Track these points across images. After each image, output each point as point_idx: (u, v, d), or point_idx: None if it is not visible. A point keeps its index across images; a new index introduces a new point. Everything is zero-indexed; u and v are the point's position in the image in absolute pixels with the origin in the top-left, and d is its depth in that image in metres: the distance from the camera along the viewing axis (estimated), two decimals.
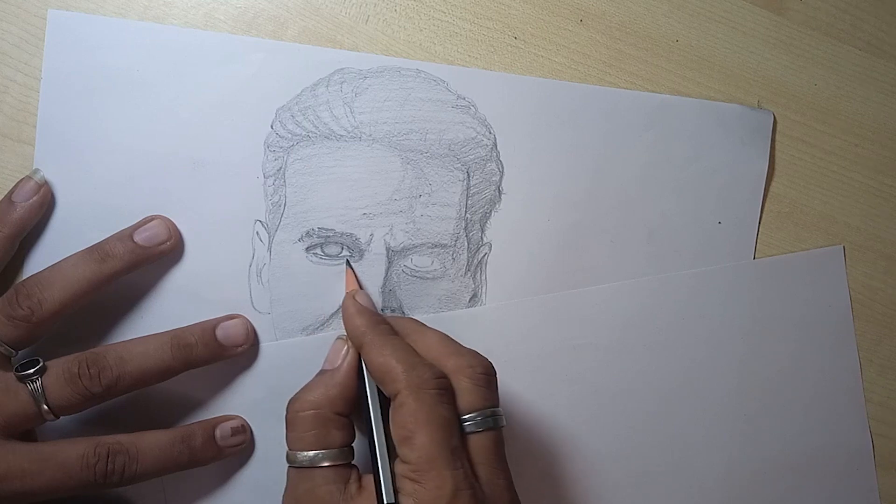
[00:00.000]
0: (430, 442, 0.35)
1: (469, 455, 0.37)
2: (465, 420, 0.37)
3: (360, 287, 0.45)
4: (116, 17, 0.45)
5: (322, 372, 0.41)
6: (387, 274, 0.46)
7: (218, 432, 0.43)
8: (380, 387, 0.38)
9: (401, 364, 0.37)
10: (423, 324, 0.43)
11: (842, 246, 0.50)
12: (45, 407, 0.38)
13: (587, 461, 0.47)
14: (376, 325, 0.40)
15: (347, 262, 0.45)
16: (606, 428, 0.47)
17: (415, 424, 0.35)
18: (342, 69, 0.46)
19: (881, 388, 0.50)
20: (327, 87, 0.46)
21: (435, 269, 0.46)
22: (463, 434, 0.37)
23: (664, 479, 0.48)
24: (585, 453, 0.47)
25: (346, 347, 0.41)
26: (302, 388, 0.40)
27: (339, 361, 0.40)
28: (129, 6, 0.45)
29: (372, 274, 0.45)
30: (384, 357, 0.38)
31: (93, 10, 0.45)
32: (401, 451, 0.36)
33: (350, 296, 0.42)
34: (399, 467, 0.36)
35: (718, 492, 0.48)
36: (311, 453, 0.38)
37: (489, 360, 0.39)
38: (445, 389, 0.37)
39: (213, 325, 0.43)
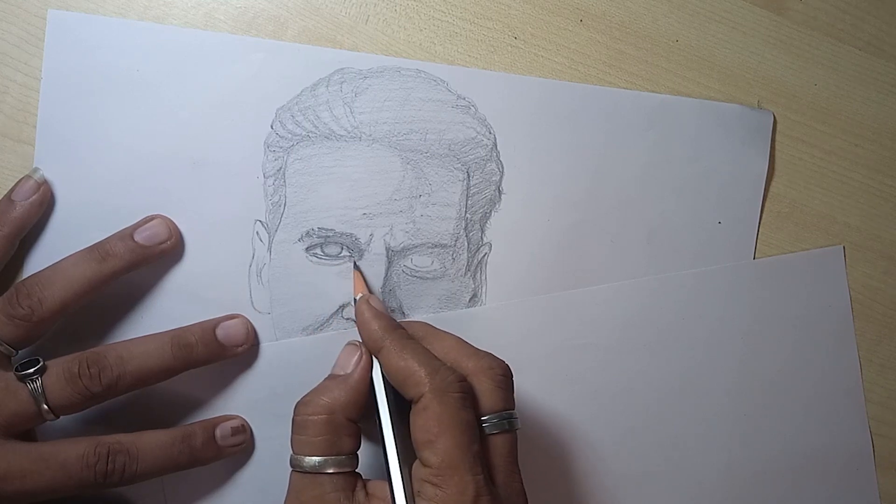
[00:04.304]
0: (454, 446, 0.35)
1: (487, 457, 0.36)
2: (484, 421, 0.37)
3: (370, 290, 0.44)
4: (116, 17, 0.45)
5: (333, 376, 0.40)
6: (387, 274, 0.46)
7: (218, 432, 0.43)
8: (400, 391, 0.38)
9: (423, 367, 0.37)
10: (436, 327, 0.42)
11: (842, 246, 0.50)
12: (45, 406, 0.38)
13: (587, 461, 0.47)
14: (394, 329, 0.40)
15: (355, 264, 0.45)
16: (606, 428, 0.47)
17: (439, 428, 0.35)
18: (342, 69, 0.46)
19: (881, 388, 0.50)
20: (327, 87, 0.46)
21: (435, 269, 0.46)
22: (482, 436, 0.37)
23: (664, 479, 0.48)
24: (586, 453, 0.47)
25: (359, 353, 0.40)
26: (312, 392, 0.39)
27: (353, 367, 0.39)
28: (129, 6, 0.45)
29: (372, 274, 0.45)
30: (405, 361, 0.37)
31: (93, 10, 0.45)
32: (422, 454, 0.36)
33: (364, 300, 0.41)
34: (419, 471, 0.36)
35: (718, 492, 0.48)
36: (320, 459, 0.37)
37: (506, 362, 0.39)
38: (468, 393, 0.37)
39: (214, 324, 0.43)
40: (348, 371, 0.39)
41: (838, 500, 0.49)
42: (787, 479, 0.49)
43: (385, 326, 0.40)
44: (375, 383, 0.39)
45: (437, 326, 0.43)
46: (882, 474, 0.50)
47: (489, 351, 0.40)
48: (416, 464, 0.37)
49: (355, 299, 0.43)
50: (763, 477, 0.48)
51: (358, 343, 0.41)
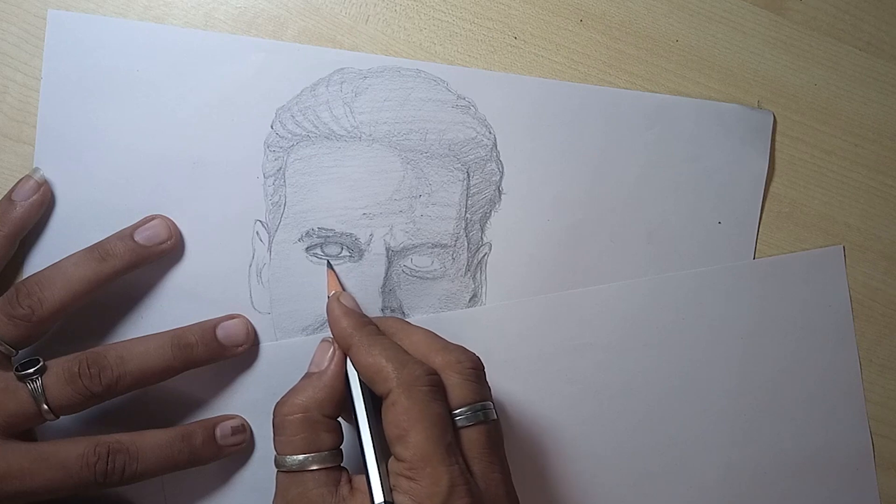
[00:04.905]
0: (425, 439, 0.35)
1: (462, 450, 0.36)
2: (457, 415, 0.37)
3: (343, 288, 0.45)
4: (116, 17, 0.45)
5: (308, 375, 0.40)
6: (387, 274, 0.46)
7: (218, 431, 0.43)
8: (370, 387, 0.38)
9: (391, 363, 0.37)
10: (408, 322, 0.43)
11: (842, 246, 0.50)
12: (45, 406, 0.38)
13: (587, 461, 0.47)
14: (363, 326, 0.40)
15: (328, 263, 0.45)
16: (606, 428, 0.47)
17: (408, 422, 0.35)
18: (342, 69, 0.46)
19: (881, 388, 0.50)
20: (327, 87, 0.46)
21: (435, 269, 0.46)
22: (455, 429, 0.37)
23: (664, 479, 0.48)
24: (585, 453, 0.47)
25: (332, 349, 0.40)
26: (288, 392, 0.39)
27: (326, 363, 0.40)
28: (129, 6, 0.45)
29: (372, 274, 0.45)
30: (373, 357, 0.38)
31: (93, 10, 0.45)
32: (395, 449, 0.36)
33: (335, 298, 0.42)
34: (394, 465, 0.36)
35: (718, 492, 0.48)
36: (301, 457, 0.37)
37: (477, 355, 0.39)
38: (437, 386, 0.37)
39: (214, 324, 0.43)
40: (322, 368, 0.40)
41: (838, 500, 0.49)
42: (787, 479, 0.49)
43: (354, 324, 0.40)
44: (351, 379, 0.40)
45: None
46: (882, 474, 0.50)
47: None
48: (391, 458, 0.37)
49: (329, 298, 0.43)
50: (763, 477, 0.48)
51: (332, 340, 0.41)
